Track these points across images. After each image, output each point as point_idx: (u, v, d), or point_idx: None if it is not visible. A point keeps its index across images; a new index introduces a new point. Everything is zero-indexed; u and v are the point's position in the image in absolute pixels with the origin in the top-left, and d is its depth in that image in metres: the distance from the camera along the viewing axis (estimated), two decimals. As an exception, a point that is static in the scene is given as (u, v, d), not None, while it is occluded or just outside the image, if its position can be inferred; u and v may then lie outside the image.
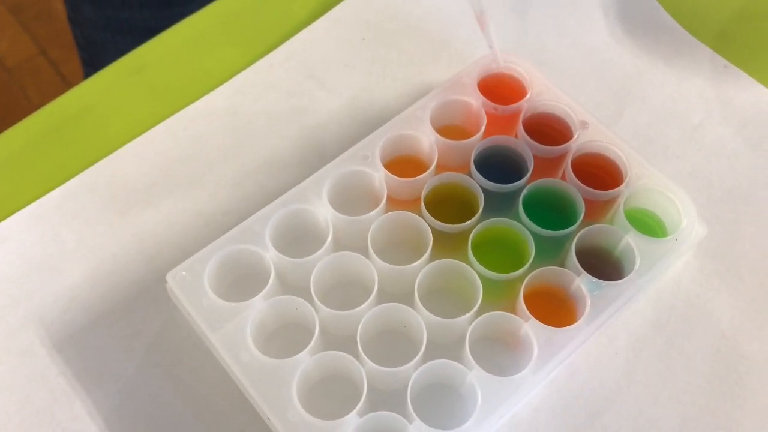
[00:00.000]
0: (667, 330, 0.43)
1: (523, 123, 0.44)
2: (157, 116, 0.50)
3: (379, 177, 0.43)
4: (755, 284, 0.44)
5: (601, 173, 0.44)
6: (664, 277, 0.44)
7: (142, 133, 0.49)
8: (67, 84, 1.36)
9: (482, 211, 0.42)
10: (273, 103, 0.50)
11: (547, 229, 0.41)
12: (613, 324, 0.42)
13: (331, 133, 0.49)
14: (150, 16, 0.54)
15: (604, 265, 0.42)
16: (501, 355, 0.40)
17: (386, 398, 0.39)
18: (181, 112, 0.50)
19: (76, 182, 0.47)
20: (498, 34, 0.53)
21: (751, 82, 0.51)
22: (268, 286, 0.39)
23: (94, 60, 0.76)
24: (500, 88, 0.46)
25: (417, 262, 0.40)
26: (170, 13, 0.52)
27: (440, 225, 0.41)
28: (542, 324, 0.38)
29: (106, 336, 0.42)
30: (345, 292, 0.42)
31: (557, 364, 0.38)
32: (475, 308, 0.39)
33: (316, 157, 0.48)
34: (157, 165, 0.48)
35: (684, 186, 0.43)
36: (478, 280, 0.39)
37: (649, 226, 0.43)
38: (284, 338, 0.41)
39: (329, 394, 0.40)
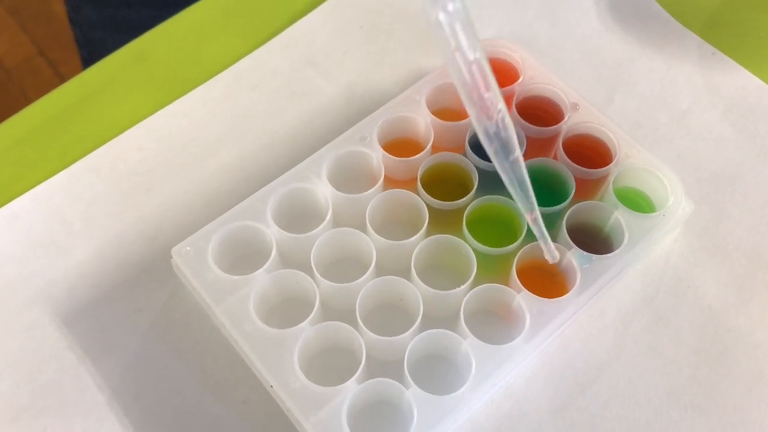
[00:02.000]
0: (656, 304, 0.44)
1: (516, 105, 0.46)
2: (159, 102, 0.51)
3: (377, 157, 0.44)
4: (740, 261, 0.45)
5: (591, 153, 0.46)
6: (652, 253, 0.45)
7: (144, 118, 0.50)
8: (66, 84, 1.37)
9: (476, 190, 0.43)
10: (272, 90, 0.52)
11: (539, 206, 0.42)
12: (603, 298, 0.44)
13: (330, 118, 0.50)
14: (149, 15, 0.55)
15: (595, 240, 0.44)
16: (495, 326, 0.42)
17: (384, 369, 0.40)
18: (182, 98, 0.51)
19: (80, 165, 0.48)
20: (491, 22, 0.54)
21: (738, 69, 0.52)
22: (270, 260, 0.41)
23: (94, 59, 0.77)
24: (494, 72, 0.47)
25: (413, 238, 0.41)
26: (169, 13, 0.54)
27: (436, 202, 0.43)
28: (534, 296, 0.40)
29: (113, 311, 0.43)
30: (344, 267, 0.43)
31: (549, 335, 0.40)
32: (470, 281, 0.40)
33: (315, 140, 0.49)
34: (160, 149, 0.49)
35: (672, 168, 0.45)
36: (473, 255, 0.41)
37: (638, 203, 0.45)
38: (286, 311, 0.42)
39: (329, 364, 0.41)
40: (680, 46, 0.54)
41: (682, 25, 0.54)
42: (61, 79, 1.40)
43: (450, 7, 0.31)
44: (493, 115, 0.34)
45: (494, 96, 0.34)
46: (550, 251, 0.40)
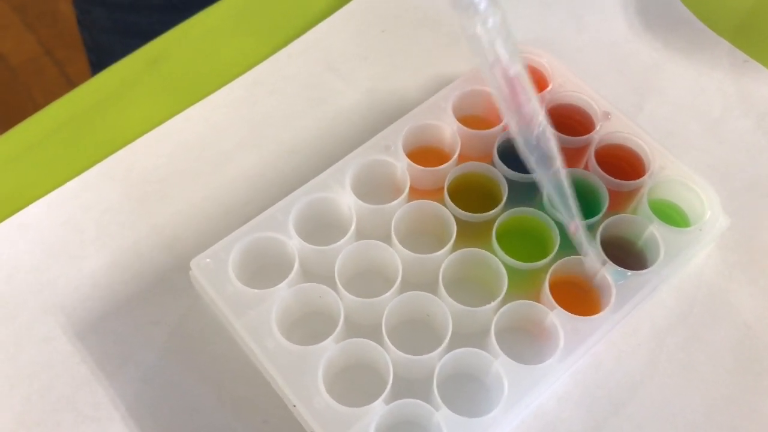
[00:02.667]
0: (690, 321, 0.42)
1: (545, 113, 0.44)
2: (174, 107, 0.50)
3: (402, 166, 0.43)
4: (777, 276, 0.44)
5: (623, 164, 0.44)
6: (686, 268, 0.44)
7: (159, 124, 0.49)
8: (72, 84, 1.36)
9: (506, 201, 0.41)
10: (291, 95, 0.50)
11: (571, 218, 0.41)
12: (636, 315, 0.42)
13: (350, 124, 0.49)
14: (159, 20, 0.54)
15: (628, 255, 0.42)
16: (526, 344, 0.40)
17: (410, 387, 0.39)
18: (198, 103, 0.50)
19: (93, 172, 0.47)
20: (517, 28, 0.53)
21: (771, 76, 0.51)
22: (292, 273, 0.39)
23: (102, 63, 0.76)
24: (522, 80, 0.46)
25: (441, 251, 0.40)
26: (180, 18, 0.53)
27: (464, 214, 0.41)
28: (568, 313, 0.38)
29: (128, 323, 0.42)
30: (368, 280, 0.42)
31: (583, 354, 0.38)
32: (500, 297, 0.39)
33: (335, 147, 0.48)
34: (176, 155, 0.48)
35: (704, 178, 0.43)
36: (503, 269, 0.39)
37: (671, 217, 0.43)
38: (307, 326, 0.41)
39: (354, 383, 0.39)
40: (710, 53, 0.52)
41: (712, 31, 0.53)
42: (67, 78, 1.38)
43: (489, 22, 0.29)
44: (534, 128, 0.32)
45: (535, 107, 0.32)
46: (594, 261, 0.38)
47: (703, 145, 0.48)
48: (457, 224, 0.41)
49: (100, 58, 0.76)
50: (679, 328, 0.42)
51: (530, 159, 0.34)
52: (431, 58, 0.52)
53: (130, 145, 0.48)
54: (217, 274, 0.39)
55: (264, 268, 0.42)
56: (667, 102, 0.50)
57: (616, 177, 0.42)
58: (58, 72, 1.41)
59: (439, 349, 0.37)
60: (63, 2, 1.46)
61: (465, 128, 0.44)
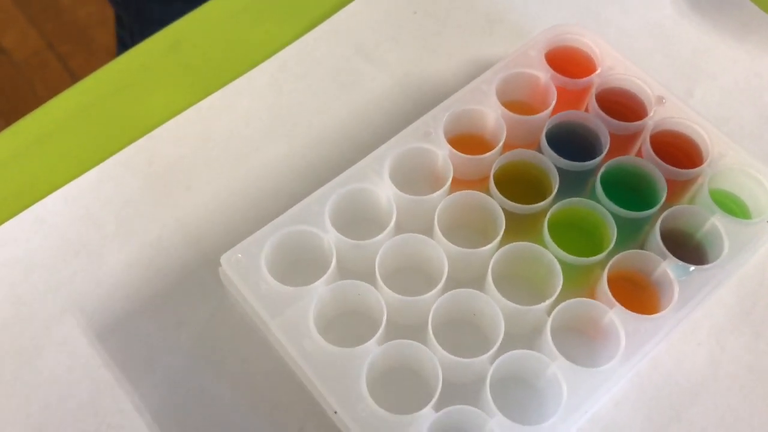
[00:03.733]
0: (753, 319, 0.40)
1: (595, 98, 0.41)
2: (197, 94, 0.47)
3: (443, 155, 0.40)
4: (844, 271, 0.41)
5: (678, 152, 0.41)
6: (748, 263, 0.41)
7: (181, 111, 0.46)
8: (75, 78, 1.33)
9: (556, 192, 0.39)
10: (319, 80, 0.47)
11: (625, 208, 0.38)
12: (694, 313, 0.39)
13: (384, 111, 0.46)
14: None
15: (685, 249, 0.39)
16: (582, 346, 0.37)
17: (457, 392, 0.36)
18: (222, 90, 0.47)
19: (113, 162, 0.44)
20: (560, 9, 0.50)
21: (827, 59, 0.48)
22: (330, 270, 0.36)
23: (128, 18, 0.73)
24: (568, 62, 0.43)
25: (489, 246, 0.37)
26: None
27: (512, 205, 0.38)
28: (629, 312, 0.36)
29: (152, 324, 0.39)
30: (407, 275, 0.39)
31: (644, 356, 0.35)
32: (555, 295, 0.36)
33: (369, 135, 0.45)
34: (199, 144, 0.45)
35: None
36: (558, 265, 0.36)
37: (730, 208, 0.40)
38: (344, 326, 0.38)
39: (397, 387, 0.37)
40: (763, 35, 0.49)
41: (764, 12, 0.50)
42: (70, 73, 1.36)
43: None
44: None
45: None
46: None
47: (758, 132, 0.46)
48: (504, 216, 0.38)
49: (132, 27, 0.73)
50: (741, 327, 0.39)
51: None
52: (466, 40, 0.49)
53: (150, 134, 0.45)
54: (249, 270, 0.36)
55: (298, 264, 0.39)
56: (719, 87, 0.47)
57: (671, 165, 0.39)
58: (62, 66, 1.38)
59: (491, 351, 0.34)
60: (65, -5, 1.43)
61: (510, 113, 0.41)
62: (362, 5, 0.50)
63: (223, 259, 0.37)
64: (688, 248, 0.39)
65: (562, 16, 0.50)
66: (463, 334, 0.38)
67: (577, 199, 0.38)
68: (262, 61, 0.48)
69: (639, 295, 0.38)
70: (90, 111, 0.46)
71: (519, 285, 0.39)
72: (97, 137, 0.45)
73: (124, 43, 0.77)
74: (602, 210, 0.38)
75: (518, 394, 0.37)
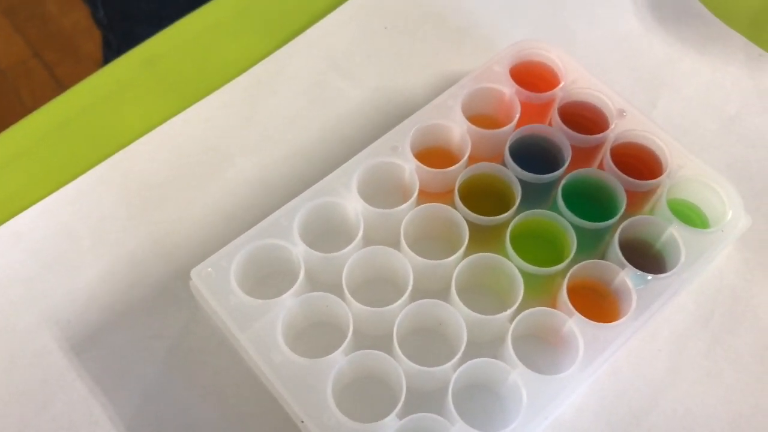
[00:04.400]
0: (712, 326, 0.41)
1: (558, 111, 0.43)
2: (172, 109, 0.48)
3: (410, 168, 0.41)
4: (800, 278, 0.42)
5: (638, 163, 0.42)
6: (705, 270, 0.42)
7: (157, 125, 0.47)
8: (61, 86, 1.34)
9: (519, 203, 0.40)
10: (294, 94, 0.48)
11: (586, 220, 0.39)
12: (654, 320, 0.41)
13: (356, 125, 0.47)
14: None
15: (645, 258, 0.40)
16: (543, 353, 0.38)
17: (422, 400, 0.37)
18: (197, 104, 0.48)
19: (89, 177, 0.45)
20: (527, 23, 0.51)
21: (788, 71, 0.49)
22: (298, 282, 0.37)
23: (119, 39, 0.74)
24: (533, 77, 0.44)
25: (453, 257, 0.38)
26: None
27: (476, 217, 0.39)
28: (588, 320, 0.37)
29: (126, 337, 0.40)
30: (376, 288, 0.40)
31: (603, 362, 0.37)
32: (517, 304, 0.37)
33: (341, 149, 0.46)
34: (175, 159, 0.46)
35: (724, 176, 0.41)
36: (519, 275, 0.38)
37: (690, 217, 0.42)
38: (313, 337, 0.39)
39: (364, 396, 0.38)
40: (725, 48, 0.50)
41: (726, 25, 0.51)
42: (56, 81, 1.36)
43: None
44: None
45: None
46: None
47: (720, 143, 0.47)
48: (468, 228, 0.39)
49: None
50: (700, 334, 0.41)
51: None
52: (437, 55, 0.50)
53: (126, 149, 0.46)
54: (218, 284, 0.37)
55: (268, 277, 0.40)
56: (682, 98, 0.48)
57: (631, 177, 0.41)
58: (48, 74, 1.38)
59: (454, 360, 0.36)
60: (52, 4, 1.44)
61: (475, 127, 0.42)
62: (335, 21, 0.51)
63: (193, 273, 0.38)
64: (648, 257, 0.41)
65: (531, 30, 0.51)
66: (428, 343, 0.39)
67: (539, 210, 0.40)
68: (236, 76, 0.49)
69: (600, 303, 0.39)
70: (66, 127, 0.47)
71: (482, 295, 0.40)
72: (73, 152, 0.46)
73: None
74: (563, 221, 0.39)
75: (482, 402, 0.38)
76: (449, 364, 0.35)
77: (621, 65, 0.50)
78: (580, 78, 0.44)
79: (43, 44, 1.38)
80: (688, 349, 0.40)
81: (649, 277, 0.38)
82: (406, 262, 0.38)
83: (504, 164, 0.41)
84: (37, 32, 1.39)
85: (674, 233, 0.39)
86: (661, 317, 0.41)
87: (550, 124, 0.43)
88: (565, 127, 0.42)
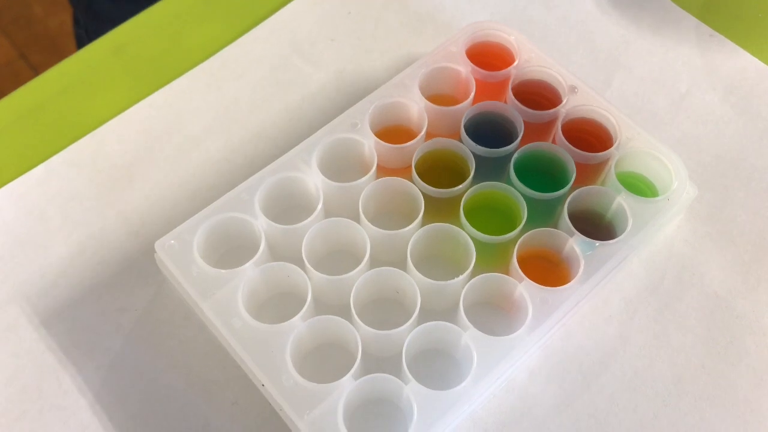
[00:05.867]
0: (661, 292, 0.42)
1: (512, 89, 0.44)
2: (139, 93, 0.49)
3: (369, 144, 0.42)
4: (746, 246, 0.44)
5: (590, 138, 0.44)
6: (656, 240, 0.44)
7: (124, 110, 0.48)
8: (47, 87, 1.34)
9: (473, 177, 0.41)
10: (258, 79, 0.50)
11: (538, 191, 0.41)
12: (606, 287, 0.42)
13: (319, 106, 0.49)
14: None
15: (597, 227, 0.42)
16: (496, 317, 0.40)
17: (381, 364, 0.38)
18: (164, 89, 0.49)
19: (58, 159, 0.46)
20: (485, 5, 0.53)
21: (737, 50, 0.51)
22: (259, 253, 0.39)
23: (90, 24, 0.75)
24: (488, 56, 0.46)
25: (409, 227, 0.40)
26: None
27: (432, 190, 0.41)
28: (536, 284, 0.38)
29: (94, 310, 0.41)
30: (337, 259, 0.42)
31: (552, 325, 0.38)
32: (469, 270, 0.38)
33: (303, 129, 0.47)
34: (141, 141, 0.47)
35: (670, 149, 0.43)
36: (471, 244, 0.39)
37: (639, 188, 0.43)
38: (276, 306, 0.40)
39: (323, 360, 0.39)
40: (677, 29, 0.52)
41: (679, 7, 0.53)
42: (43, 81, 1.37)
43: None
44: None
45: None
46: None
47: (671, 120, 0.49)
48: (425, 200, 0.41)
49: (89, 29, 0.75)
50: (649, 299, 0.42)
51: None
52: (398, 38, 0.51)
53: (94, 132, 0.47)
54: (181, 255, 0.39)
55: (232, 251, 0.41)
56: (635, 78, 0.50)
57: (584, 150, 0.42)
58: (34, 75, 1.39)
59: (408, 323, 0.37)
60: (37, 6, 1.44)
61: (432, 105, 0.43)
62: (299, 7, 0.53)
63: (157, 245, 0.39)
64: (599, 226, 0.42)
65: (489, 13, 0.52)
66: (388, 311, 0.41)
67: (492, 182, 0.41)
68: (203, 60, 0.50)
69: (552, 270, 0.41)
70: (37, 111, 0.48)
71: (438, 264, 0.41)
72: (44, 136, 0.47)
73: (81, 42, 0.79)
74: (515, 192, 0.41)
75: (438, 365, 0.39)
76: (403, 327, 0.37)
77: (577, 47, 0.51)
78: (535, 57, 0.46)
79: (29, 46, 1.39)
80: (637, 314, 0.42)
81: (597, 243, 0.40)
82: (365, 233, 0.40)
83: (461, 140, 0.43)
84: (23, 34, 1.40)
85: (622, 202, 0.41)
86: (612, 284, 0.42)
87: (505, 102, 0.45)
88: (518, 104, 0.43)
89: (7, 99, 0.48)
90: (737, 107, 0.49)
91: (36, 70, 1.38)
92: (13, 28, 1.42)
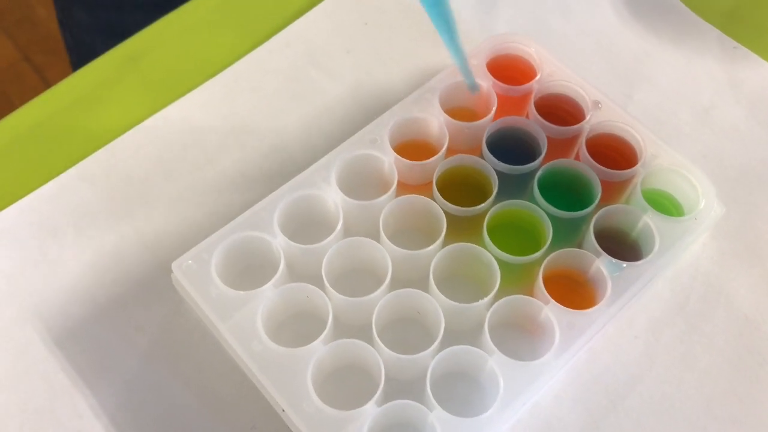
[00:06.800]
0: (687, 312, 0.42)
1: (534, 104, 0.43)
2: (153, 106, 0.48)
3: (389, 161, 0.42)
4: (774, 265, 0.43)
5: (614, 154, 0.43)
6: (681, 258, 0.43)
7: (138, 123, 0.47)
8: (51, 89, 1.33)
9: (496, 194, 0.40)
10: (274, 90, 0.49)
11: (563, 210, 0.40)
12: (631, 307, 0.41)
13: (336, 119, 0.48)
14: (143, 19, 0.53)
15: (621, 246, 0.41)
16: (520, 340, 0.39)
17: (402, 388, 0.38)
18: (178, 101, 0.48)
19: (72, 174, 0.45)
20: (504, 17, 0.52)
21: (761, 63, 0.50)
22: (278, 273, 0.38)
23: (84, 63, 0.74)
24: (509, 70, 0.45)
25: (431, 247, 0.39)
26: (163, 16, 0.51)
27: (453, 208, 0.40)
28: (563, 307, 0.37)
29: (109, 330, 0.40)
30: (356, 279, 0.41)
31: (579, 349, 0.37)
32: (494, 292, 0.37)
33: (321, 143, 0.46)
34: (156, 155, 0.46)
35: (697, 167, 0.42)
36: (496, 264, 0.38)
37: (665, 206, 0.42)
38: (295, 328, 0.40)
39: (344, 385, 0.38)
40: (700, 40, 0.51)
41: (700, 18, 0.52)
42: (47, 84, 1.36)
43: None
44: None
45: None
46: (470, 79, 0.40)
47: (695, 134, 0.48)
48: (447, 219, 0.40)
49: (81, 59, 0.74)
50: (675, 320, 0.41)
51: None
52: (416, 49, 0.51)
53: (108, 146, 0.46)
54: (199, 276, 0.38)
55: (249, 269, 0.40)
56: (657, 90, 0.49)
57: (608, 167, 0.41)
58: (38, 77, 1.39)
59: (432, 348, 0.36)
60: (41, 8, 1.44)
61: (453, 120, 0.42)
62: (315, 17, 0.52)
63: (174, 265, 0.38)
64: (624, 246, 0.41)
65: (509, 25, 0.52)
66: (408, 332, 0.40)
67: (516, 200, 0.40)
68: (217, 73, 0.49)
69: (577, 291, 0.40)
70: (49, 124, 0.47)
71: (461, 284, 0.40)
72: (56, 150, 0.46)
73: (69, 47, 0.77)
74: (539, 211, 0.40)
75: (460, 389, 0.38)
76: (427, 352, 0.36)
77: (598, 58, 0.51)
78: (557, 71, 0.45)
79: (32, 47, 1.38)
80: (664, 335, 0.41)
81: (624, 264, 0.39)
82: (385, 253, 0.39)
83: (482, 156, 0.42)
84: (27, 36, 1.39)
85: (649, 222, 0.40)
86: (637, 304, 0.42)
87: (527, 117, 0.44)
88: (541, 119, 0.42)
89: (17, 113, 0.48)
90: (762, 121, 0.48)
91: (39, 72, 1.38)
92: (17, 29, 1.41)
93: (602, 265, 0.38)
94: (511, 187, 0.41)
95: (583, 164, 0.42)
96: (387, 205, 0.40)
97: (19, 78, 1.37)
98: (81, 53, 0.73)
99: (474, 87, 0.42)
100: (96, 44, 0.70)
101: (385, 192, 0.41)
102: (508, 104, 0.44)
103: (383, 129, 0.42)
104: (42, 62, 1.39)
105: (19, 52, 1.40)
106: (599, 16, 0.52)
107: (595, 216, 0.40)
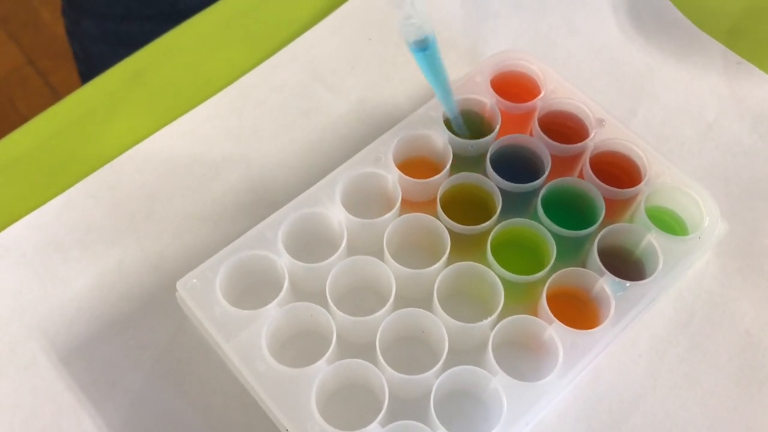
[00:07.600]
0: (690, 331, 0.42)
1: (538, 121, 0.43)
2: (159, 121, 0.48)
3: (393, 178, 0.42)
4: (778, 282, 0.43)
5: (618, 171, 0.43)
6: (684, 276, 0.43)
7: (144, 138, 0.48)
8: (55, 94, 1.34)
9: (500, 212, 0.40)
10: (278, 106, 0.49)
11: (566, 228, 0.40)
12: (635, 326, 0.41)
13: (340, 136, 0.48)
14: (152, 29, 0.53)
15: (625, 265, 0.41)
16: (524, 360, 0.39)
17: (406, 407, 0.38)
18: (183, 117, 0.48)
19: (77, 190, 0.46)
20: (508, 33, 0.52)
21: (765, 78, 0.50)
22: (282, 292, 0.38)
23: (93, 73, 0.74)
24: (513, 86, 0.45)
25: (435, 266, 0.39)
26: (172, 28, 0.51)
27: (457, 227, 0.40)
28: (567, 327, 0.37)
29: (114, 347, 0.40)
30: (361, 297, 0.41)
31: (582, 369, 0.37)
32: (497, 312, 0.38)
33: (325, 160, 0.47)
34: (161, 171, 0.46)
35: (700, 184, 0.42)
36: (500, 283, 0.38)
37: (669, 224, 0.42)
38: (298, 346, 0.40)
39: (348, 405, 0.38)
40: (704, 56, 0.51)
41: (705, 33, 0.52)
42: (51, 88, 1.37)
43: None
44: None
45: None
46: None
47: (699, 150, 0.48)
48: (450, 237, 0.40)
49: (90, 70, 0.75)
50: (679, 339, 0.41)
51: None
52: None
53: (113, 162, 0.46)
54: (204, 294, 0.38)
55: (253, 287, 0.41)
56: (661, 106, 0.49)
57: (611, 185, 0.41)
58: (42, 82, 1.39)
59: (436, 368, 0.36)
60: (46, 12, 1.44)
61: (456, 138, 0.43)
62: (320, 33, 0.52)
63: (179, 284, 0.38)
64: (628, 265, 0.41)
65: (512, 41, 0.52)
66: (411, 351, 0.40)
67: (519, 219, 0.40)
68: (222, 88, 0.49)
69: (580, 310, 0.40)
70: (54, 140, 0.47)
71: (464, 303, 0.40)
72: (62, 166, 0.47)
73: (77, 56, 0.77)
74: (543, 229, 0.40)
75: (464, 409, 0.38)
76: (431, 372, 0.36)
77: (601, 74, 0.51)
78: (560, 88, 0.45)
79: (37, 52, 1.39)
80: (667, 354, 0.41)
81: (628, 284, 0.39)
82: (389, 272, 0.39)
83: (486, 174, 0.42)
84: (32, 40, 1.40)
85: (652, 241, 0.40)
86: (641, 323, 0.42)
87: (530, 134, 0.44)
88: (545, 137, 0.43)
89: (23, 128, 0.48)
90: (766, 136, 0.48)
91: (44, 76, 1.38)
92: (22, 33, 1.42)
93: (606, 284, 0.39)
94: (515, 205, 0.41)
95: (586, 182, 0.42)
96: (391, 223, 0.40)
97: (23, 82, 1.38)
98: (89, 63, 0.74)
99: (462, 132, 0.42)
100: (104, 55, 0.70)
101: (389, 210, 0.41)
102: (512, 121, 0.44)
103: (387, 147, 0.42)
104: (46, 66, 1.39)
105: (23, 55, 1.40)
106: (603, 33, 0.52)
107: (599, 234, 0.40)
